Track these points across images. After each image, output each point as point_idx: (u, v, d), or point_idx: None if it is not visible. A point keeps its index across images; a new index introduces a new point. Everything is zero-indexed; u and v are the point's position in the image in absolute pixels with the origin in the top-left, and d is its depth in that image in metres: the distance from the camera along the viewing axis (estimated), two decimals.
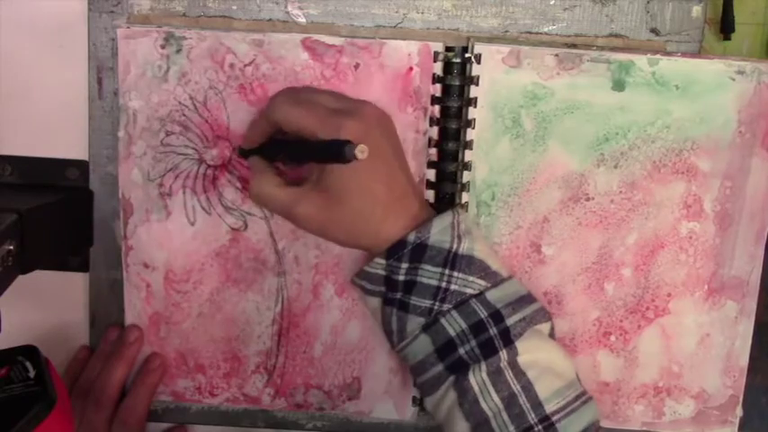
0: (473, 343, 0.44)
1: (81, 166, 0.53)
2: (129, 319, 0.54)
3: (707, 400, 0.54)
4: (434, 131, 0.51)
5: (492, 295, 0.45)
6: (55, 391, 0.41)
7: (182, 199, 0.52)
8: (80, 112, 0.52)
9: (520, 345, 0.44)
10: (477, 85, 0.50)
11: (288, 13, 0.51)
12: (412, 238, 0.45)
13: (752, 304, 0.53)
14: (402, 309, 0.46)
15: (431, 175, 0.51)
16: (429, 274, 0.45)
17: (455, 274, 0.45)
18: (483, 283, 0.45)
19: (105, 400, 0.52)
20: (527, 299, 0.47)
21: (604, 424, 0.54)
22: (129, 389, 0.54)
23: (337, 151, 0.40)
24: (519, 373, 0.44)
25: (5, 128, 0.53)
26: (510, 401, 0.44)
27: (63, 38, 0.52)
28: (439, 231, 0.45)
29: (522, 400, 0.44)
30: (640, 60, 0.50)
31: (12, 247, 0.44)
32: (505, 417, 0.43)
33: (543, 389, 0.44)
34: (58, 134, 0.53)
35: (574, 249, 0.52)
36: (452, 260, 0.45)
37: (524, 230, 0.52)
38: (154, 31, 0.50)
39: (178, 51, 0.50)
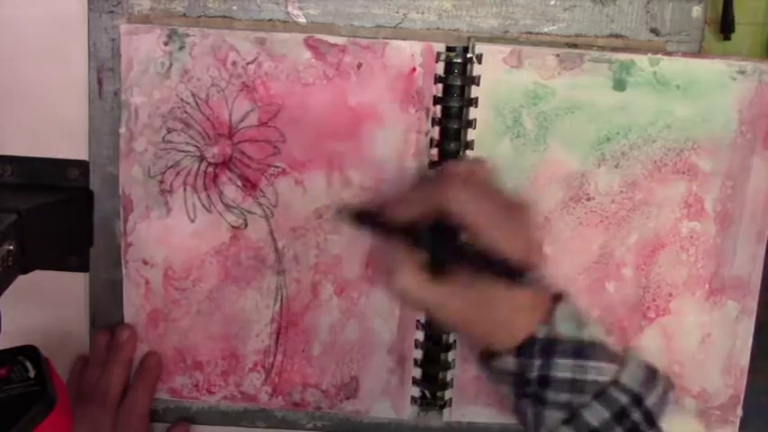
0: (619, 431, 0.43)
1: (81, 166, 0.53)
2: (128, 315, 0.54)
3: (708, 399, 0.54)
4: (436, 131, 0.51)
5: (625, 378, 0.44)
6: (55, 391, 0.41)
7: (182, 196, 0.52)
8: (80, 112, 0.52)
9: (663, 425, 0.43)
10: (477, 85, 0.50)
11: (288, 13, 0.51)
12: (542, 333, 0.43)
13: (753, 304, 0.53)
14: (538, 402, 0.44)
15: None
16: (563, 368, 0.43)
17: (588, 363, 0.43)
18: (613, 366, 0.44)
19: (109, 402, 0.51)
20: (650, 369, 0.45)
21: None
22: (128, 389, 0.53)
23: (516, 273, 0.40)
24: None
25: (5, 128, 0.53)
26: None
27: (63, 38, 0.52)
28: (564, 321, 0.44)
29: None
30: (641, 60, 0.50)
31: (12, 247, 0.44)
32: None
33: None
34: (58, 134, 0.53)
35: (575, 249, 0.52)
36: (581, 350, 0.43)
37: None
38: (157, 28, 0.50)
39: (181, 48, 0.50)
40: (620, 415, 0.43)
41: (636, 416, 0.43)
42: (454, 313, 0.44)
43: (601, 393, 0.43)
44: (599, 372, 0.44)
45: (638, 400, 0.43)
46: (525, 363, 0.43)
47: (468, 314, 0.44)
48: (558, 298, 0.44)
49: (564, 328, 0.44)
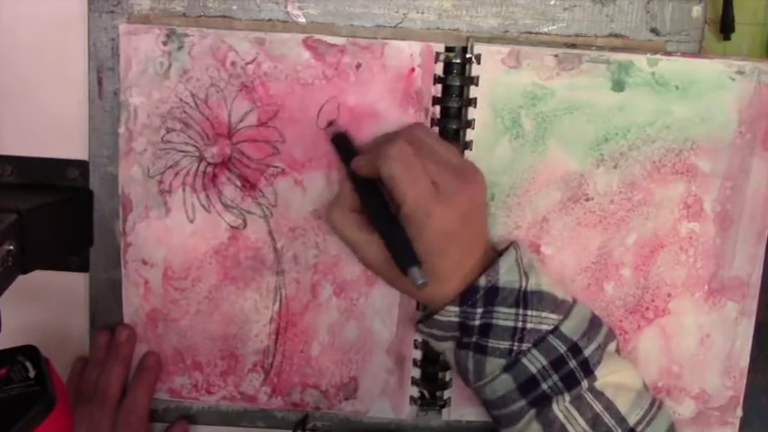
0: (555, 378, 0.45)
1: (81, 166, 0.53)
2: (127, 315, 0.54)
3: (707, 400, 0.54)
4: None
5: (566, 328, 0.46)
6: (55, 391, 0.41)
7: (181, 196, 0.52)
8: (80, 112, 0.52)
9: (598, 372, 0.45)
10: (476, 85, 0.50)
11: (288, 13, 0.51)
12: (483, 282, 0.45)
13: (752, 305, 0.53)
14: (479, 351, 0.46)
15: None
16: (504, 316, 0.45)
17: (529, 312, 0.45)
18: (555, 316, 0.46)
19: (108, 402, 0.52)
20: (595, 322, 0.48)
21: None
22: (127, 389, 0.54)
23: (404, 261, 0.42)
24: (598, 395, 0.45)
25: (5, 128, 0.53)
26: (596, 422, 0.44)
27: (63, 38, 0.52)
28: (506, 271, 0.45)
29: (607, 418, 0.45)
30: (640, 60, 0.50)
31: (12, 247, 0.44)
32: None
33: (622, 404, 0.45)
34: (58, 134, 0.53)
35: (573, 249, 0.52)
36: (524, 299, 0.45)
37: (524, 230, 0.52)
38: (156, 28, 0.50)
39: (180, 48, 0.50)
40: (558, 362, 0.45)
41: (572, 364, 0.45)
42: (368, 264, 0.47)
43: (540, 341, 0.45)
44: (540, 321, 0.46)
45: (576, 349, 0.45)
46: (468, 311, 0.45)
47: (379, 270, 0.47)
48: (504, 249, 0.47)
49: (506, 278, 0.45)
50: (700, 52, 0.51)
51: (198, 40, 0.50)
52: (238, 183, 0.51)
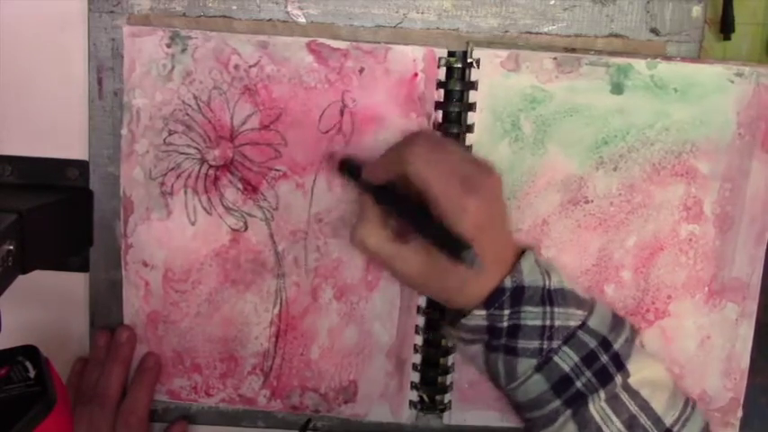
0: (588, 374, 0.44)
1: (81, 166, 0.53)
2: (127, 317, 0.54)
3: (708, 402, 0.54)
4: None
5: (593, 323, 0.46)
6: (55, 391, 0.41)
7: (183, 198, 0.52)
8: (80, 112, 0.52)
9: (630, 366, 0.45)
10: (476, 89, 0.50)
11: (288, 13, 0.51)
12: (509, 283, 0.44)
13: (752, 306, 0.53)
14: (509, 353, 0.45)
15: None
16: (532, 316, 0.45)
17: (556, 309, 0.45)
18: (581, 312, 0.46)
19: (108, 403, 0.52)
20: (617, 317, 0.47)
21: None
22: (127, 390, 0.53)
23: (455, 249, 0.41)
24: (634, 395, 0.45)
25: (5, 128, 0.53)
26: (632, 423, 0.44)
27: (63, 38, 0.52)
28: (529, 271, 0.45)
29: (643, 419, 0.44)
30: (639, 63, 0.50)
31: (12, 247, 0.43)
32: None
33: (658, 404, 0.45)
34: (58, 134, 0.53)
35: (573, 252, 0.52)
36: (549, 296, 0.45)
37: (524, 233, 0.52)
38: (159, 30, 0.50)
39: (183, 51, 0.50)
40: (590, 358, 0.45)
41: (604, 358, 0.44)
42: (407, 274, 0.46)
43: (570, 337, 0.45)
44: (567, 317, 0.45)
45: (606, 343, 0.45)
46: (495, 314, 0.45)
47: (420, 277, 0.45)
48: (523, 251, 0.46)
49: (530, 278, 0.45)
50: (700, 52, 0.52)
51: (201, 42, 0.50)
52: (240, 185, 0.51)
